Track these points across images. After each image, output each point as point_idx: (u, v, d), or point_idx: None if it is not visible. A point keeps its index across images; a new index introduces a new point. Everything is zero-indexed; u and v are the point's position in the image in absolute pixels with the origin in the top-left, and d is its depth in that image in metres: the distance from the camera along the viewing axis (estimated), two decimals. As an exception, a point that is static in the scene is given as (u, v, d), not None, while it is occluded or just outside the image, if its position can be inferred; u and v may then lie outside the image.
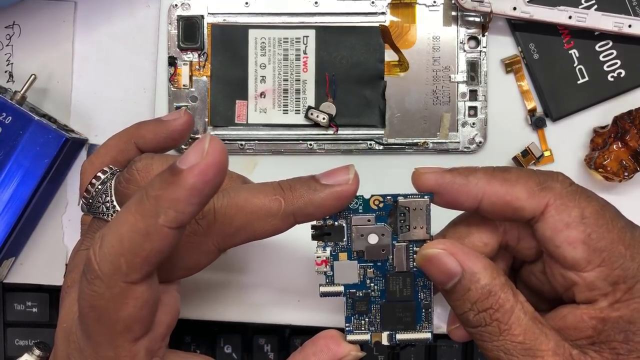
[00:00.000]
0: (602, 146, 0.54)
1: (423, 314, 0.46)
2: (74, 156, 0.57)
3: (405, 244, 0.45)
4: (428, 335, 0.46)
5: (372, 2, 0.55)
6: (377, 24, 0.55)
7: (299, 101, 0.55)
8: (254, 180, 0.56)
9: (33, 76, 0.55)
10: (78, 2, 0.57)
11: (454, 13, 0.55)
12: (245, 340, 0.60)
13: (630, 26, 0.54)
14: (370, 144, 0.56)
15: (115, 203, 0.44)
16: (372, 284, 0.46)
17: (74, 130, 0.57)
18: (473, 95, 0.56)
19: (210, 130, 0.56)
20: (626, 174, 0.53)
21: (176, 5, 0.55)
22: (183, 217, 0.36)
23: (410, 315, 0.46)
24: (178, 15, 0.55)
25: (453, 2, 0.55)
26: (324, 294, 0.46)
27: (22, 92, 0.54)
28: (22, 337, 0.60)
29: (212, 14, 0.56)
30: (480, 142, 0.56)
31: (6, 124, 0.53)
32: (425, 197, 0.45)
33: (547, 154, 0.56)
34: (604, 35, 0.55)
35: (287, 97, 0.55)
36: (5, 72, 0.57)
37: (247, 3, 0.55)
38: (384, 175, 0.56)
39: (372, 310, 0.46)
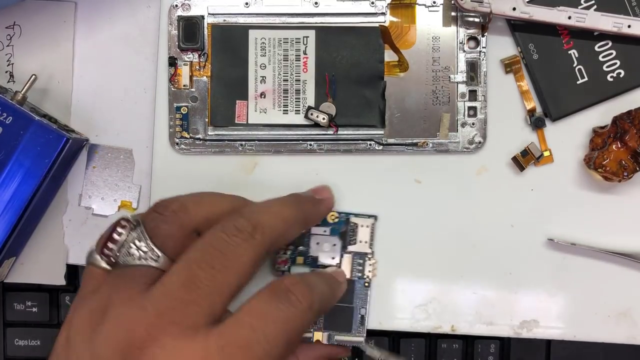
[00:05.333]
0: (602, 146, 0.54)
1: (359, 319, 0.55)
2: (75, 156, 0.57)
3: (351, 254, 0.55)
4: (361, 339, 0.55)
5: (372, 3, 0.55)
6: (376, 25, 0.55)
7: (299, 101, 0.55)
8: (254, 180, 0.56)
9: (33, 76, 0.55)
10: (78, 2, 0.57)
11: (453, 14, 0.55)
12: (245, 340, 0.60)
13: (629, 26, 0.54)
14: (370, 144, 0.56)
15: (153, 246, 0.44)
16: None
17: (75, 130, 0.57)
18: (473, 95, 0.56)
19: (211, 131, 0.56)
20: (625, 174, 0.53)
21: (176, 5, 0.55)
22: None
23: (347, 320, 0.55)
24: (178, 16, 0.56)
25: (452, 2, 0.55)
26: None
27: (22, 93, 0.54)
28: (22, 337, 0.60)
29: (212, 14, 0.56)
30: (479, 142, 0.56)
31: (7, 124, 0.53)
32: (372, 217, 0.55)
33: (546, 154, 0.56)
34: (603, 35, 0.55)
35: (287, 97, 0.56)
36: (6, 72, 0.57)
37: (247, 3, 0.55)
38: (384, 175, 0.56)
39: None
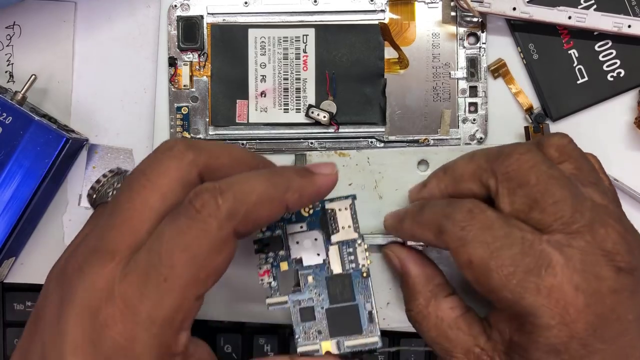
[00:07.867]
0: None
1: (367, 316, 0.47)
2: (75, 156, 0.57)
3: (337, 245, 0.47)
4: (375, 339, 0.47)
5: (371, 0, 0.55)
6: (376, 22, 0.56)
7: (300, 100, 0.55)
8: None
9: (33, 76, 0.55)
10: (78, 2, 0.57)
11: (453, 13, 0.55)
12: (245, 340, 0.59)
13: (629, 26, 0.54)
14: (371, 142, 0.56)
15: None
16: (314, 290, 0.47)
17: (75, 130, 0.57)
18: (473, 91, 0.56)
19: (212, 130, 0.56)
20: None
21: (176, 5, 0.56)
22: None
23: (354, 319, 0.47)
24: (178, 16, 0.56)
25: (452, 2, 0.55)
26: (271, 305, 0.47)
27: (22, 93, 0.54)
28: (22, 337, 0.59)
29: (212, 14, 0.56)
30: (481, 138, 0.56)
31: (6, 124, 0.53)
32: (349, 197, 0.48)
33: (548, 148, 0.56)
34: (603, 35, 0.55)
35: (288, 96, 0.56)
36: (6, 72, 0.58)
37: (246, 3, 0.56)
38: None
39: (318, 318, 0.47)
